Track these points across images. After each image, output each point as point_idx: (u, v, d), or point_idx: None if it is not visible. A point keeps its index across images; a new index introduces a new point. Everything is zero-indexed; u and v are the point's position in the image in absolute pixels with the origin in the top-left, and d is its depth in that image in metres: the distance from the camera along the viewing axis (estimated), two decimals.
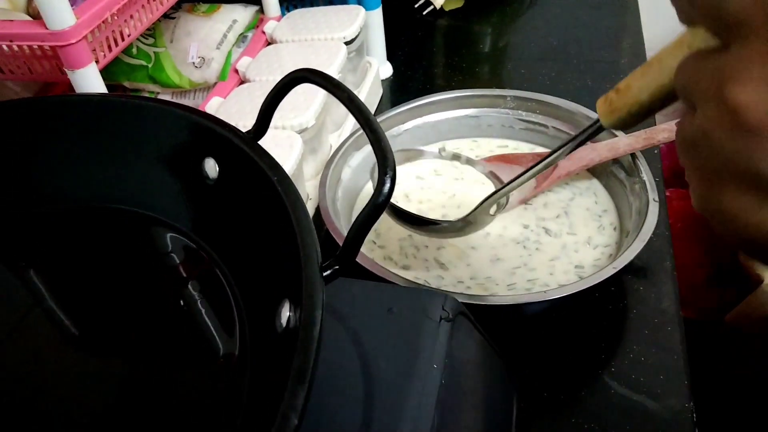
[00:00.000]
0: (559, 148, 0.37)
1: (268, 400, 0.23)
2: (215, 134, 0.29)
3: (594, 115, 0.53)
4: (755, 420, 0.70)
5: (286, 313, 0.24)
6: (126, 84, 0.65)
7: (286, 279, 0.24)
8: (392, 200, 0.45)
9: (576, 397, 0.42)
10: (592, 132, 0.35)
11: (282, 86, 0.29)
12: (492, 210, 0.44)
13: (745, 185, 0.20)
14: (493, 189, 0.44)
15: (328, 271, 0.23)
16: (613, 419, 0.41)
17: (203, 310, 0.30)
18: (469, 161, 0.49)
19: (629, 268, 0.49)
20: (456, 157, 0.50)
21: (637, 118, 0.29)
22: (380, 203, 0.23)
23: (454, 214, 0.45)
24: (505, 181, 0.42)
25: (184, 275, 0.31)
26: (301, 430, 0.19)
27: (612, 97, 0.30)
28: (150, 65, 0.63)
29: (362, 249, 0.41)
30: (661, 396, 0.41)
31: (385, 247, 0.50)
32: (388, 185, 0.24)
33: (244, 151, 0.28)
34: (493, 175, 0.48)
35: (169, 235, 0.33)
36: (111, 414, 0.27)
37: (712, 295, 0.91)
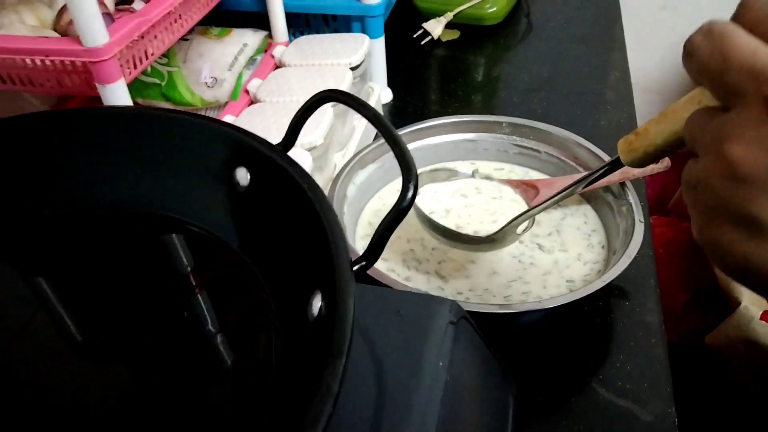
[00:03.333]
0: (582, 179, 0.43)
1: (302, 383, 0.25)
2: (248, 146, 0.33)
3: (584, 142, 0.57)
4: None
5: (317, 303, 0.27)
6: (139, 101, 0.68)
7: (317, 273, 0.27)
8: (432, 214, 0.49)
9: (567, 402, 0.45)
10: (612, 167, 0.39)
11: (311, 104, 0.32)
12: (519, 230, 0.48)
13: (735, 222, 0.24)
14: (523, 207, 0.49)
15: (357, 266, 0.26)
16: (601, 423, 0.44)
17: (232, 305, 0.33)
18: (501, 182, 0.54)
19: (616, 285, 0.52)
20: (488, 177, 0.55)
21: (651, 158, 0.34)
22: (404, 207, 0.26)
23: (487, 230, 0.50)
24: (549, 195, 0.47)
25: (215, 274, 0.34)
26: None
27: (631, 138, 0.34)
28: (163, 83, 0.66)
29: None
30: (646, 401, 0.44)
31: (388, 260, 0.53)
32: (411, 192, 0.27)
33: (275, 161, 0.31)
34: (524, 190, 0.52)
35: (200, 237, 0.35)
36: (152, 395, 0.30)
37: (693, 319, 0.95)
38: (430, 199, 0.52)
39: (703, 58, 0.24)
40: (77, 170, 0.36)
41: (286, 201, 0.31)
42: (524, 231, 0.48)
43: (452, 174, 0.56)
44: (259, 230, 0.33)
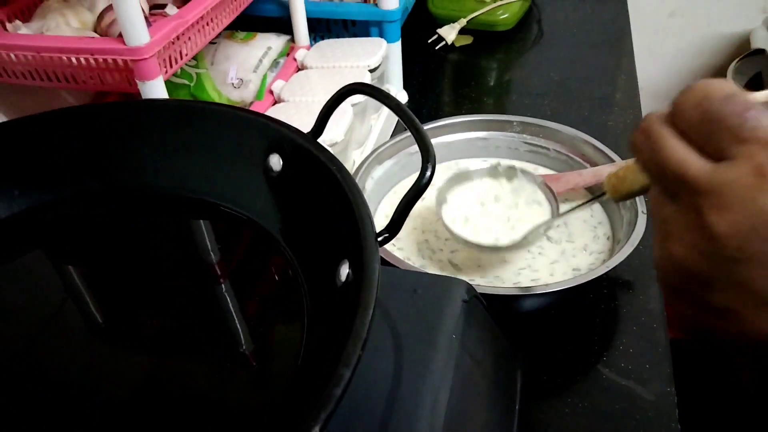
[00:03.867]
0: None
1: (333, 336, 0.28)
2: (282, 134, 0.36)
3: (591, 140, 0.60)
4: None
5: (345, 270, 0.30)
6: None
7: (344, 244, 0.30)
8: (453, 222, 0.52)
9: (572, 381, 0.48)
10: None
11: (339, 96, 0.36)
12: (542, 230, 0.51)
13: (689, 301, 0.27)
14: (544, 207, 0.53)
15: (381, 237, 0.30)
16: (605, 400, 0.46)
17: (264, 278, 0.36)
18: (524, 172, 0.55)
19: (621, 274, 0.55)
20: (511, 169, 0.55)
21: (631, 198, 0.38)
22: (423, 185, 0.30)
23: (508, 236, 0.52)
24: (556, 190, 0.52)
25: (249, 251, 0.37)
26: None
27: (614, 182, 0.39)
28: (192, 84, 0.70)
29: (384, 251, 0.48)
30: (647, 381, 0.47)
31: (404, 250, 0.56)
32: (429, 171, 0.30)
33: (306, 147, 0.35)
34: (545, 186, 0.54)
35: (235, 218, 0.39)
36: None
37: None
38: (450, 208, 0.54)
39: (643, 159, 0.27)
40: (124, 156, 0.39)
41: (315, 183, 0.34)
42: (547, 232, 0.52)
43: (470, 175, 0.56)
44: (290, 210, 0.36)
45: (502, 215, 0.52)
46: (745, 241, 0.23)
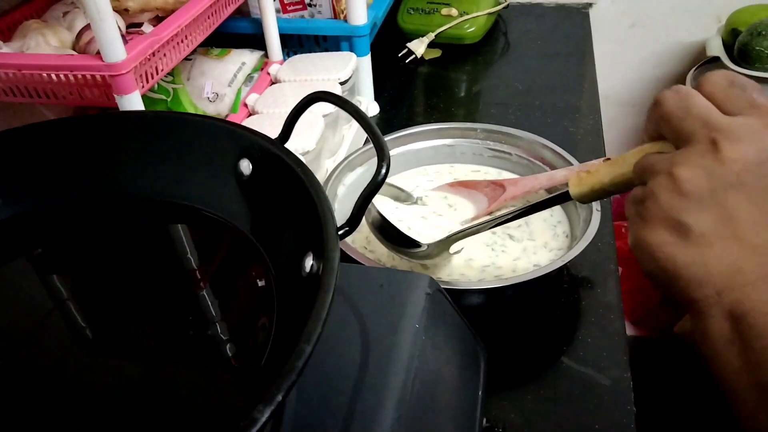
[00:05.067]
0: (529, 208, 0.47)
1: (298, 319, 0.31)
2: (250, 140, 0.39)
3: (549, 144, 0.63)
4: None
5: (309, 261, 0.32)
6: None
7: (308, 238, 0.33)
8: (395, 224, 0.54)
9: (534, 370, 0.51)
10: (560, 198, 0.43)
11: (303, 104, 0.38)
12: (452, 250, 0.53)
13: (669, 227, 0.31)
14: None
15: (341, 231, 0.32)
16: (565, 386, 0.49)
17: (238, 272, 0.39)
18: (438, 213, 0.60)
19: (580, 269, 0.58)
20: (424, 204, 0.61)
21: (596, 196, 0.39)
22: (379, 181, 0.33)
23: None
24: (514, 194, 0.52)
25: (224, 250, 0.40)
26: (309, 368, 0.26)
27: (582, 175, 0.39)
28: (169, 99, 0.73)
29: (356, 253, 0.50)
30: (604, 368, 0.50)
31: (375, 252, 0.59)
32: (384, 169, 0.33)
33: (273, 152, 0.37)
34: (493, 189, 0.58)
35: (211, 220, 0.41)
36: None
37: (668, 315, 1.00)
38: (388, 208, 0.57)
39: (669, 107, 0.32)
40: (106, 166, 0.42)
41: (282, 184, 0.37)
42: (455, 252, 0.53)
43: (408, 197, 0.61)
44: (260, 210, 0.39)
45: (443, 226, 0.56)
46: (746, 169, 0.29)
